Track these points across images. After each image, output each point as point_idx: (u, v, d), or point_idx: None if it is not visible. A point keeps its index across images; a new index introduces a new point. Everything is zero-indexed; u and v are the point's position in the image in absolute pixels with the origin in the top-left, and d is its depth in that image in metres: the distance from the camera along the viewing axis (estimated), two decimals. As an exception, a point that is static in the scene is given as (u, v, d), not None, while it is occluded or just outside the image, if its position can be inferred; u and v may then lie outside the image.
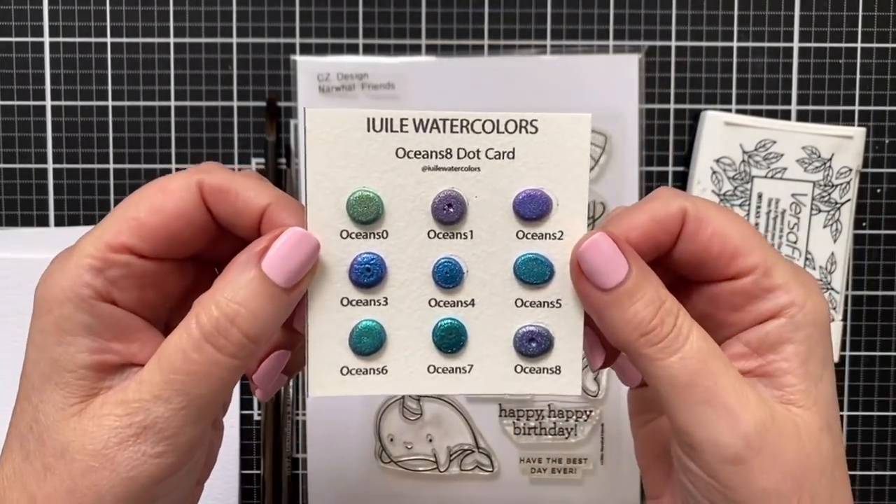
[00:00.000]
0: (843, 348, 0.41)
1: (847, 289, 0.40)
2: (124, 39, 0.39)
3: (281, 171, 0.39)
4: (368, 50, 0.40)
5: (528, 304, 0.24)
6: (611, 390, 0.40)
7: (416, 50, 0.40)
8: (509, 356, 0.25)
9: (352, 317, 0.24)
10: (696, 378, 0.22)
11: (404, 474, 0.40)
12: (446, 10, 0.40)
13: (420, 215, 0.24)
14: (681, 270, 0.24)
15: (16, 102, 0.39)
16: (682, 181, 0.40)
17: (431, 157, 0.24)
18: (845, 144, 0.39)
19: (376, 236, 0.24)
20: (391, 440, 0.40)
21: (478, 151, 0.24)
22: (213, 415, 0.23)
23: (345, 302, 0.24)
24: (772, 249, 0.23)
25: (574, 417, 0.40)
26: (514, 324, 0.24)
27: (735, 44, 0.40)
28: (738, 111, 0.40)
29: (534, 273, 0.24)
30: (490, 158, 0.24)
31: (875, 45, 0.40)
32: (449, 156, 0.24)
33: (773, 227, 0.39)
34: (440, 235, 0.24)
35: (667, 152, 0.40)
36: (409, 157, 0.24)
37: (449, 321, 0.24)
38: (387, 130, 0.23)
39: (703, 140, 0.39)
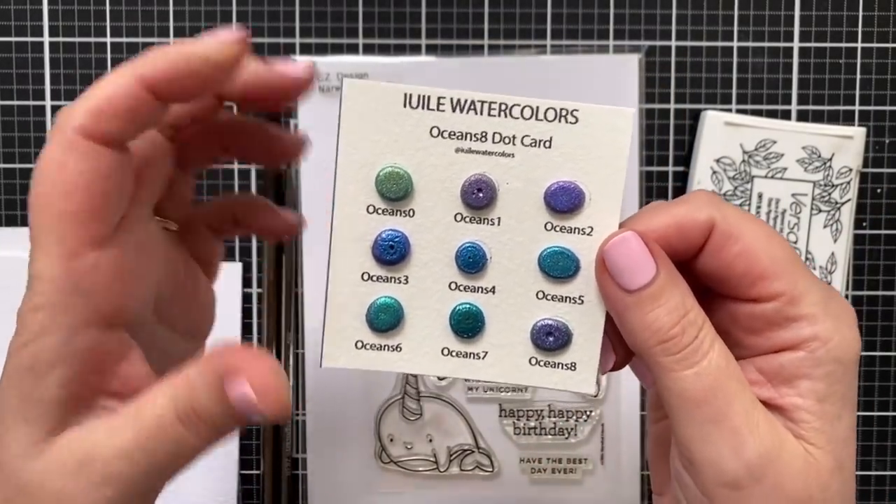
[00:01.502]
0: (843, 348, 0.41)
1: (847, 289, 0.40)
2: (124, 39, 0.39)
3: (281, 171, 0.39)
4: (368, 50, 0.40)
5: (549, 297, 0.24)
6: (611, 390, 0.40)
7: (416, 50, 0.40)
8: (525, 347, 0.24)
9: (371, 292, 0.24)
10: (709, 396, 0.21)
11: (404, 474, 0.40)
12: (446, 10, 0.40)
13: (448, 197, 0.24)
14: (703, 280, 0.23)
15: (16, 102, 0.39)
16: (682, 181, 0.40)
17: (466, 138, 0.23)
18: (845, 144, 0.39)
19: (403, 214, 0.24)
20: (391, 440, 0.40)
21: (513, 137, 0.23)
22: (175, 474, 0.23)
23: (366, 276, 0.24)
24: (806, 274, 0.22)
25: (574, 417, 0.40)
26: (533, 315, 0.24)
27: (735, 44, 0.40)
28: (739, 111, 0.40)
29: (559, 266, 0.24)
30: (525, 146, 0.23)
31: (875, 45, 0.40)
32: (484, 139, 0.23)
33: (774, 227, 0.39)
34: (467, 219, 0.24)
35: (667, 152, 0.40)
36: (443, 136, 0.23)
37: (467, 306, 0.24)
38: (423, 108, 0.23)
39: (703, 140, 0.39)
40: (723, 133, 0.38)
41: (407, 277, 0.24)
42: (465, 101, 0.23)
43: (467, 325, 0.24)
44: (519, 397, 0.40)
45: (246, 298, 0.40)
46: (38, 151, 0.39)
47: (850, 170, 0.39)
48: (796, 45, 0.40)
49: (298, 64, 0.24)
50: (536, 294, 0.24)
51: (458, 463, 0.40)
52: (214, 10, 0.39)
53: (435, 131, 0.23)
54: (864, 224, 0.40)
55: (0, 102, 0.39)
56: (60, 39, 0.39)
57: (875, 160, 0.40)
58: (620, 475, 0.40)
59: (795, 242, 0.39)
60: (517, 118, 0.23)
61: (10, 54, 0.39)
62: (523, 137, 0.23)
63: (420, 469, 0.40)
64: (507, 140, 0.23)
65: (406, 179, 0.23)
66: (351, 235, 0.24)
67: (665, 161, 0.40)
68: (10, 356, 0.21)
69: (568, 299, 0.24)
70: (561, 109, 0.23)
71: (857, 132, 0.39)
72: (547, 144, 0.23)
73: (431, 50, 0.40)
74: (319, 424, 0.40)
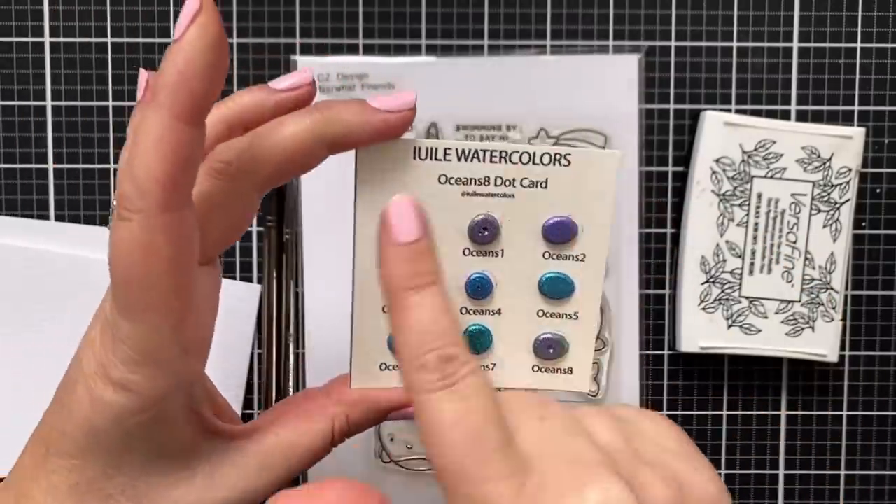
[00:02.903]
0: (842, 348, 0.41)
1: (847, 289, 0.40)
2: (124, 39, 0.39)
3: (281, 171, 0.39)
4: (368, 50, 0.40)
5: (548, 315, 0.27)
6: (611, 390, 0.40)
7: (416, 50, 0.40)
8: (528, 358, 0.27)
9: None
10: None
11: (404, 474, 0.40)
12: (446, 10, 0.40)
13: (457, 235, 0.26)
14: None
15: (16, 102, 0.39)
16: (681, 181, 0.40)
17: (471, 183, 0.25)
18: (845, 144, 0.39)
19: None
20: (391, 440, 0.40)
21: (513, 180, 0.25)
22: None
23: (386, 309, 0.26)
24: None
25: (574, 417, 0.40)
26: (535, 331, 0.27)
27: (735, 44, 0.40)
28: (738, 111, 0.40)
29: (557, 290, 0.26)
30: (524, 187, 0.26)
31: (875, 45, 0.40)
32: (487, 183, 0.25)
33: (773, 227, 0.39)
34: (474, 253, 0.26)
35: (667, 152, 0.40)
36: (450, 183, 0.25)
37: (478, 327, 0.27)
38: (431, 158, 0.25)
39: (702, 140, 0.39)
40: (722, 133, 0.39)
41: None
42: (469, 150, 0.25)
43: (478, 342, 0.27)
44: (519, 397, 0.40)
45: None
46: (38, 151, 0.39)
47: (850, 170, 0.39)
48: (796, 45, 0.40)
49: (394, 98, 0.24)
50: (537, 313, 0.27)
51: (457, 462, 0.40)
52: (215, 10, 0.39)
53: (443, 178, 0.25)
54: (864, 224, 0.41)
55: (0, 102, 0.39)
56: (61, 39, 0.39)
57: (874, 160, 0.40)
58: (620, 475, 0.40)
59: (795, 242, 0.39)
60: (516, 163, 0.25)
61: (10, 54, 0.39)
62: (522, 180, 0.25)
63: (420, 468, 0.40)
64: (507, 183, 0.26)
65: None
66: (371, 275, 0.26)
67: (664, 161, 0.40)
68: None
69: (565, 315, 0.27)
70: (555, 154, 0.25)
71: (857, 132, 0.39)
72: (543, 185, 0.26)
73: (431, 50, 0.40)
74: (319, 424, 0.40)
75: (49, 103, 0.40)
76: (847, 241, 0.39)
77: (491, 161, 0.25)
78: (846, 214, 0.39)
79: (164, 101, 0.21)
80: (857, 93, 0.40)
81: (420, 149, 0.25)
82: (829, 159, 0.39)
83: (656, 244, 0.40)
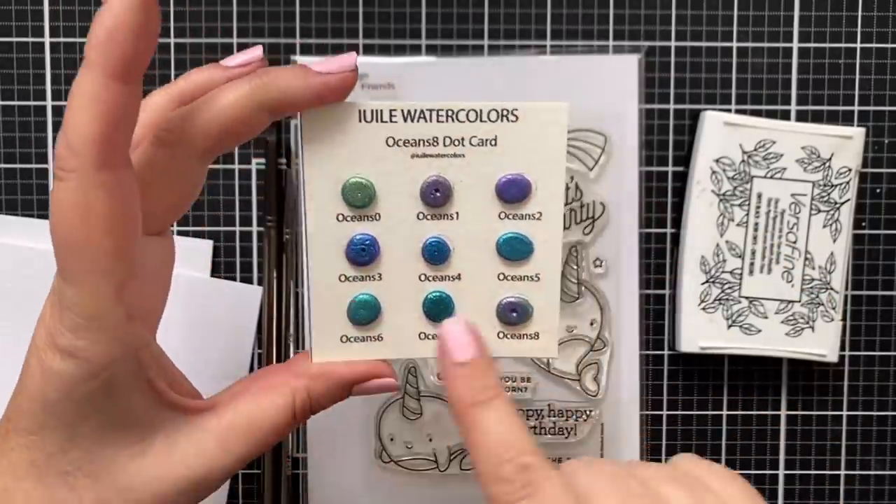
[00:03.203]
0: (842, 348, 0.41)
1: (846, 289, 0.40)
2: (124, 39, 0.39)
3: (281, 171, 0.39)
4: (368, 50, 0.40)
5: (509, 277, 0.26)
6: (610, 390, 0.40)
7: (416, 50, 0.40)
8: (493, 324, 0.27)
9: (349, 291, 0.26)
10: None
11: (404, 474, 0.40)
12: (446, 10, 0.40)
13: (409, 199, 0.26)
14: None
15: (16, 102, 0.39)
16: (681, 181, 0.40)
17: (419, 145, 0.25)
18: (845, 144, 0.39)
19: (370, 219, 0.26)
20: (391, 440, 0.40)
21: (462, 139, 0.25)
22: None
23: (342, 278, 0.26)
24: None
25: (574, 417, 0.40)
26: (497, 295, 0.27)
27: (735, 44, 0.40)
28: (738, 111, 0.40)
29: (515, 250, 0.26)
30: (474, 146, 0.25)
31: (875, 45, 0.40)
32: (435, 143, 0.25)
33: (773, 227, 0.39)
34: (428, 217, 0.26)
35: (667, 152, 0.40)
36: (398, 145, 0.25)
37: (438, 293, 0.26)
38: (377, 121, 0.25)
39: (702, 140, 0.39)
40: (722, 133, 0.39)
41: (380, 275, 0.26)
42: (415, 110, 0.25)
43: (439, 310, 0.26)
44: (519, 397, 0.40)
45: (246, 298, 0.40)
46: (38, 151, 0.39)
47: (850, 170, 0.39)
48: (795, 45, 0.40)
49: (334, 61, 0.24)
50: (498, 276, 0.26)
51: (458, 462, 0.40)
52: (215, 10, 0.39)
53: (390, 141, 0.25)
54: (864, 224, 0.41)
55: (0, 102, 0.39)
56: (61, 40, 0.39)
57: (874, 160, 0.40)
58: (620, 475, 0.40)
59: (795, 242, 0.39)
60: (463, 121, 0.25)
61: (10, 54, 0.39)
62: (471, 138, 0.25)
63: (420, 468, 0.40)
64: (456, 142, 0.25)
65: (369, 188, 0.25)
66: (325, 243, 0.26)
67: (664, 161, 0.40)
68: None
69: (526, 278, 0.26)
70: (502, 110, 0.25)
71: (857, 132, 0.39)
72: (493, 143, 0.25)
73: (431, 50, 0.40)
74: (319, 424, 0.40)
75: (49, 103, 0.40)
76: (847, 241, 0.39)
77: (438, 120, 0.25)
78: (846, 214, 0.39)
79: (95, 60, 0.21)
80: (857, 93, 0.40)
81: (365, 111, 0.25)
82: (829, 159, 0.39)
83: (656, 244, 0.40)
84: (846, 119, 0.40)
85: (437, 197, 0.25)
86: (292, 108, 0.24)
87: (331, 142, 0.25)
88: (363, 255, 0.26)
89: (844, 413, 0.41)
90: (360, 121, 0.25)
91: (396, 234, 0.26)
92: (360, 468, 0.40)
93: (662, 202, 0.40)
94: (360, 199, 0.25)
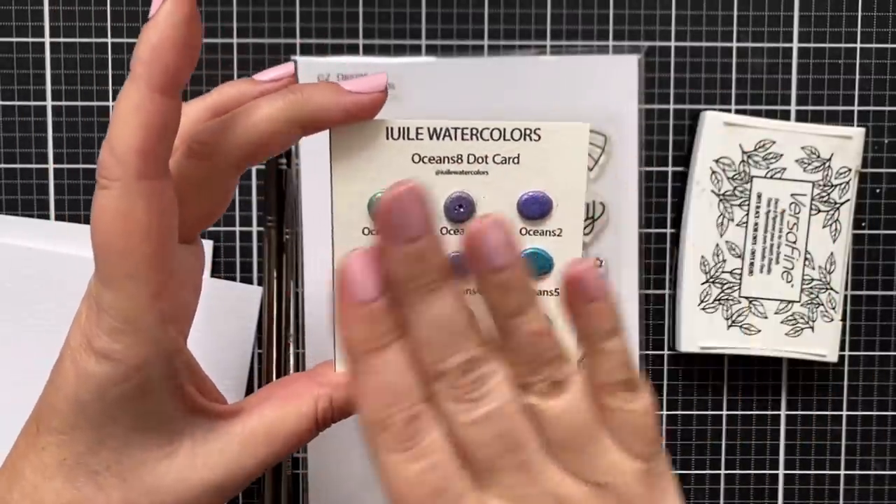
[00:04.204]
0: (842, 348, 0.41)
1: (846, 289, 0.40)
2: (124, 39, 0.39)
3: (281, 171, 0.39)
4: (368, 50, 0.40)
5: None
6: (610, 390, 0.40)
7: (416, 50, 0.40)
8: None
9: None
10: None
11: (404, 474, 0.40)
12: (446, 10, 0.40)
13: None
14: None
15: (16, 102, 0.39)
16: (681, 181, 0.40)
17: (444, 161, 0.26)
18: (845, 145, 0.39)
19: None
20: (391, 440, 0.40)
21: (486, 157, 0.26)
22: None
23: None
24: None
25: (574, 417, 0.40)
26: None
27: (735, 44, 0.40)
28: (738, 111, 0.40)
29: (536, 266, 0.26)
30: (497, 163, 0.26)
31: (875, 45, 0.40)
32: (460, 161, 0.26)
33: (773, 227, 0.39)
34: (451, 232, 0.26)
35: (667, 152, 0.40)
36: (423, 162, 0.26)
37: None
38: (404, 138, 0.26)
39: (702, 140, 0.39)
40: (722, 133, 0.39)
41: None
42: (441, 128, 0.26)
43: None
44: (519, 397, 0.40)
45: (246, 298, 0.40)
46: (38, 151, 0.39)
47: (850, 170, 0.39)
48: (795, 45, 0.40)
49: (366, 81, 0.25)
50: None
51: (457, 462, 0.40)
52: (215, 10, 0.39)
53: (416, 157, 0.26)
54: (864, 224, 0.41)
55: (0, 102, 0.39)
56: (61, 39, 0.39)
57: (874, 160, 0.40)
58: (620, 475, 0.40)
59: (795, 242, 0.39)
60: (487, 140, 0.26)
61: (10, 54, 0.39)
62: (494, 156, 0.26)
63: (420, 469, 0.40)
64: (480, 160, 0.26)
65: None
66: None
67: (664, 161, 0.40)
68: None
69: (545, 292, 0.27)
70: (525, 129, 0.26)
71: (857, 132, 0.39)
72: (516, 161, 0.26)
73: (431, 50, 0.40)
74: (319, 424, 0.40)
75: (49, 103, 0.40)
76: (847, 241, 0.39)
77: (463, 139, 0.26)
78: (846, 214, 0.39)
79: (140, 73, 0.22)
80: (857, 93, 0.40)
81: (392, 129, 0.25)
82: (829, 159, 0.39)
83: (656, 244, 0.40)
84: (846, 119, 0.40)
85: (460, 212, 0.26)
86: (324, 125, 0.25)
87: (358, 158, 0.25)
88: None
89: (844, 413, 0.41)
90: (387, 138, 0.25)
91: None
92: (360, 468, 0.40)
93: (662, 202, 0.40)
94: None
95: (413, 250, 0.22)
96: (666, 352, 0.40)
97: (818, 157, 0.39)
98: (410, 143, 0.26)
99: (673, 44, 0.40)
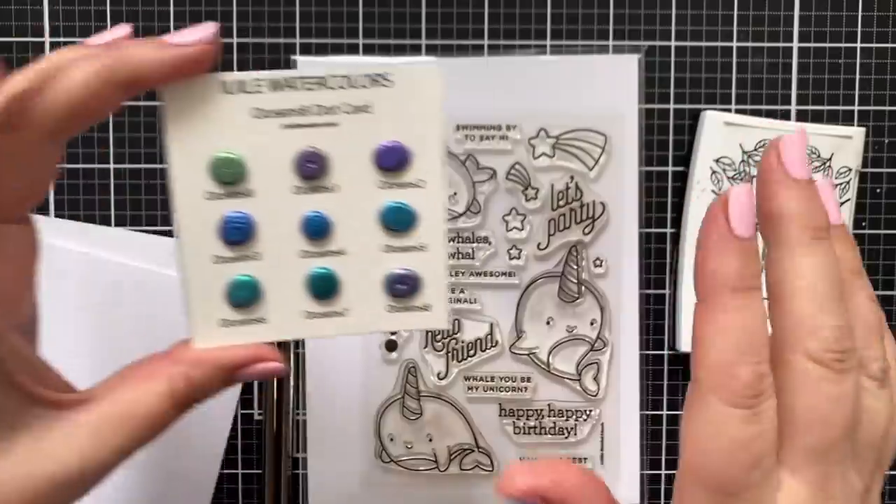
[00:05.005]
0: (842, 348, 0.41)
1: (847, 289, 0.40)
2: (124, 39, 0.39)
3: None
4: (368, 50, 0.40)
5: (395, 249, 0.25)
6: (611, 390, 0.40)
7: (416, 50, 0.40)
8: (381, 298, 0.26)
9: (226, 273, 0.25)
10: None
11: (404, 474, 0.40)
12: (446, 10, 0.40)
13: (283, 172, 0.25)
14: None
15: (16, 102, 0.39)
16: (681, 181, 0.40)
17: (288, 115, 0.24)
18: (845, 144, 0.39)
19: (242, 195, 0.25)
20: (391, 440, 0.40)
21: (334, 107, 0.24)
22: None
23: (217, 259, 0.25)
24: None
25: (574, 417, 0.40)
26: (383, 268, 0.26)
27: (735, 44, 0.40)
28: (738, 111, 0.40)
29: (399, 220, 0.25)
30: (347, 113, 0.24)
31: (875, 45, 0.40)
32: (306, 113, 0.24)
33: (773, 227, 0.39)
34: (304, 190, 0.25)
35: (667, 152, 0.40)
36: (266, 116, 0.24)
37: (321, 270, 0.25)
38: (241, 92, 0.24)
39: (702, 140, 0.39)
40: (722, 133, 0.39)
41: (258, 253, 0.25)
42: (281, 79, 0.24)
43: (323, 287, 0.25)
44: (519, 396, 0.40)
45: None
46: (38, 151, 0.39)
47: (850, 170, 0.39)
48: (795, 45, 0.40)
49: (191, 31, 0.23)
50: (383, 248, 0.25)
51: (458, 462, 0.40)
52: (215, 10, 0.39)
53: (257, 112, 0.24)
54: (864, 224, 0.41)
55: None
56: (61, 40, 0.39)
57: (874, 160, 0.40)
58: (620, 475, 0.40)
59: (795, 242, 0.39)
60: (334, 88, 0.24)
61: (10, 54, 0.39)
62: (344, 106, 0.24)
63: (420, 468, 0.40)
64: (329, 111, 0.24)
65: (238, 162, 0.24)
66: (196, 223, 0.25)
67: (665, 161, 0.40)
68: None
69: (412, 248, 0.25)
70: (374, 75, 0.24)
71: (857, 132, 0.39)
72: (367, 110, 0.24)
73: (431, 50, 0.40)
74: (319, 424, 0.40)
75: (49, 103, 0.39)
76: (847, 241, 0.39)
77: (307, 89, 0.24)
78: (846, 214, 0.39)
79: None
80: (857, 93, 0.40)
81: (227, 82, 0.24)
82: (829, 159, 0.39)
83: (656, 244, 0.40)
84: (846, 119, 0.40)
85: (312, 169, 0.25)
86: (149, 84, 0.23)
87: (194, 116, 0.24)
88: (237, 233, 0.25)
89: (844, 413, 0.41)
90: (224, 93, 0.24)
91: (272, 210, 0.25)
92: (360, 468, 0.40)
93: (662, 202, 0.40)
94: (228, 175, 0.24)
95: (806, 188, 0.20)
96: (666, 352, 0.40)
97: (818, 156, 0.39)
98: (250, 97, 0.24)
99: (673, 44, 0.40)
